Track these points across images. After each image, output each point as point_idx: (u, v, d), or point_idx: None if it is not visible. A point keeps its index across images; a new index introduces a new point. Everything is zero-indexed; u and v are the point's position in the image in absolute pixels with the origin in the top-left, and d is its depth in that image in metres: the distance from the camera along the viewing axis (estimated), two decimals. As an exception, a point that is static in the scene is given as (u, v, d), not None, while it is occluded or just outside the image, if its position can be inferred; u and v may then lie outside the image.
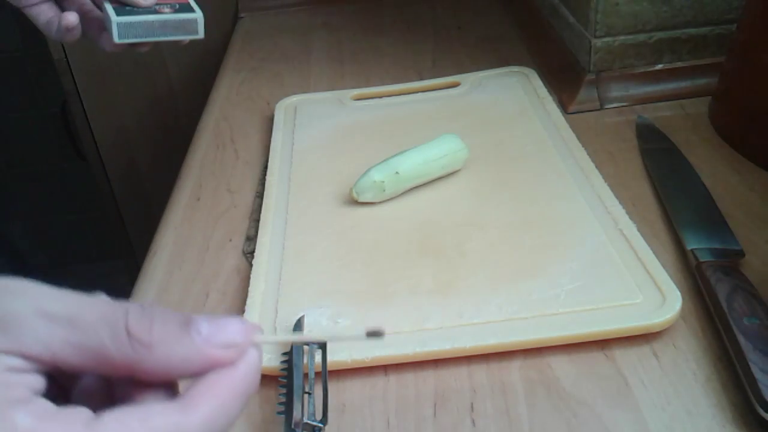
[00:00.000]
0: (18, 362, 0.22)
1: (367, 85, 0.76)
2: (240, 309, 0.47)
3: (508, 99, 0.68)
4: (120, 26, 0.52)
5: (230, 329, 0.24)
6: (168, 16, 0.53)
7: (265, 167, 0.62)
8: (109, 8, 0.52)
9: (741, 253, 0.46)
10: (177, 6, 0.54)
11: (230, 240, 0.56)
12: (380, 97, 0.72)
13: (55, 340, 0.23)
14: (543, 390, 0.40)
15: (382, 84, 0.75)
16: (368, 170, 0.55)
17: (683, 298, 0.42)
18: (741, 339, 0.38)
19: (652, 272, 0.44)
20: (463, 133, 0.58)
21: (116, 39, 0.52)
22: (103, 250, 1.61)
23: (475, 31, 0.88)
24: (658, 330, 0.41)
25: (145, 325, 0.23)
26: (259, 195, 0.60)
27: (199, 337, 0.24)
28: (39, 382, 0.23)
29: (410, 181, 0.55)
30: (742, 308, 0.40)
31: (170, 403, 0.23)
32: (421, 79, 0.76)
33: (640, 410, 0.38)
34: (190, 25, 0.54)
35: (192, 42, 0.56)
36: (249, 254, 0.53)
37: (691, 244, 0.47)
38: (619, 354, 0.41)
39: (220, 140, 0.70)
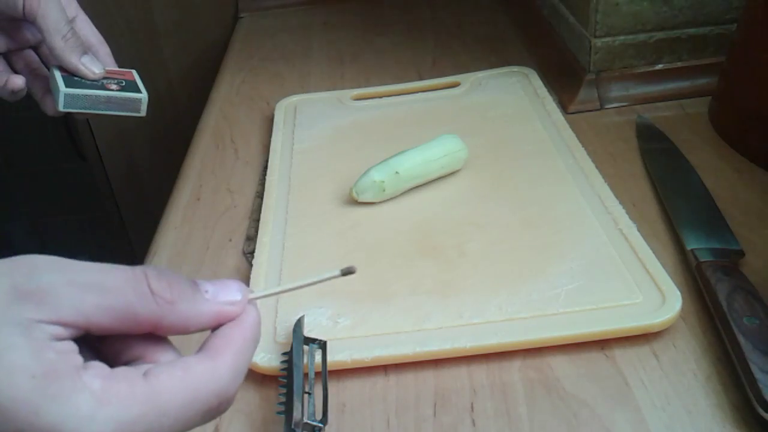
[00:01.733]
0: (59, 330, 0.24)
1: (367, 85, 0.76)
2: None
3: (508, 99, 0.68)
4: (67, 96, 0.52)
5: (231, 288, 0.29)
6: (114, 93, 0.53)
7: (265, 167, 0.62)
8: (58, 76, 0.53)
9: (741, 253, 0.46)
10: (123, 83, 0.55)
11: (230, 240, 0.56)
12: (380, 97, 0.72)
13: (88, 305, 0.25)
14: (543, 390, 0.40)
15: (382, 84, 0.75)
16: (368, 170, 0.55)
17: (683, 298, 0.42)
18: (741, 339, 0.38)
19: (652, 272, 0.44)
20: (463, 133, 0.58)
21: (61, 107, 0.52)
22: (103, 250, 1.60)
23: (475, 31, 0.88)
24: (658, 330, 0.41)
25: (164, 284, 0.27)
26: (259, 195, 0.60)
27: (207, 295, 0.28)
28: (75, 347, 0.25)
29: (410, 181, 0.56)
30: (742, 308, 0.40)
31: (200, 355, 0.27)
32: (421, 79, 0.76)
33: (640, 410, 0.38)
34: (134, 104, 0.55)
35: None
36: (249, 254, 0.53)
37: (691, 244, 0.47)
38: (619, 354, 0.41)
39: (220, 140, 0.70)
